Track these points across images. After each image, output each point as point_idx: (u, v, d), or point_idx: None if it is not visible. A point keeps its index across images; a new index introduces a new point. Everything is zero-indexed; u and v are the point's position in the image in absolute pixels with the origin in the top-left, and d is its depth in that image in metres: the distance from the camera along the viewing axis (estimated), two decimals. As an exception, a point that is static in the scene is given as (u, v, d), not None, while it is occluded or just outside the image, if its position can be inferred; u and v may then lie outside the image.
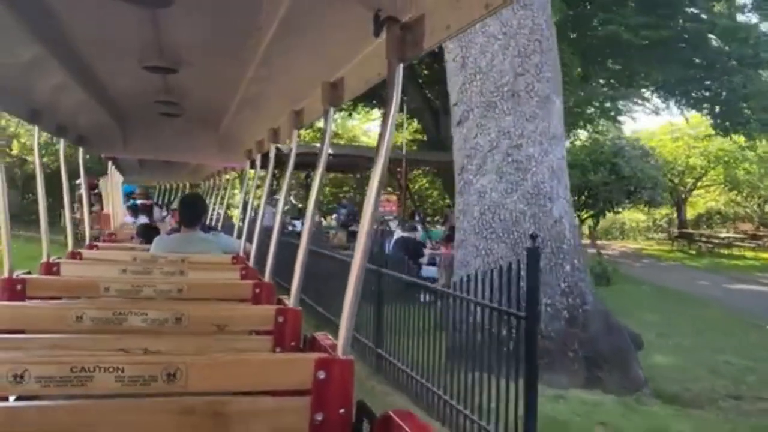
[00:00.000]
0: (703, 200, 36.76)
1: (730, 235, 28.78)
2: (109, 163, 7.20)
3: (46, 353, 2.05)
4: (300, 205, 21.37)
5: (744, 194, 34.27)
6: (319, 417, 1.75)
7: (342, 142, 25.94)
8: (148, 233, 5.85)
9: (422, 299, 6.14)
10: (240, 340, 2.56)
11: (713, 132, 21.76)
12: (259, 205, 4.61)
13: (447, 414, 4.95)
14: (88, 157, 4.86)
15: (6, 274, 2.80)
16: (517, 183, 6.36)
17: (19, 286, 2.80)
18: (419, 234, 12.99)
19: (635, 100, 23.12)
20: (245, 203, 5.46)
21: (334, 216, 22.57)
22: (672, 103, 22.40)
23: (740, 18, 19.23)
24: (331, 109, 2.27)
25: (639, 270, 18.95)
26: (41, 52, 2.24)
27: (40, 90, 2.82)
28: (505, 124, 6.45)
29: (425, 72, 25.92)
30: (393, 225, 18.44)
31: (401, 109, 27.24)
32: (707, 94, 19.27)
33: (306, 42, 2.06)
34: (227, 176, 7.90)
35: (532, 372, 3.98)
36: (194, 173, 9.50)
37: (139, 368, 1.69)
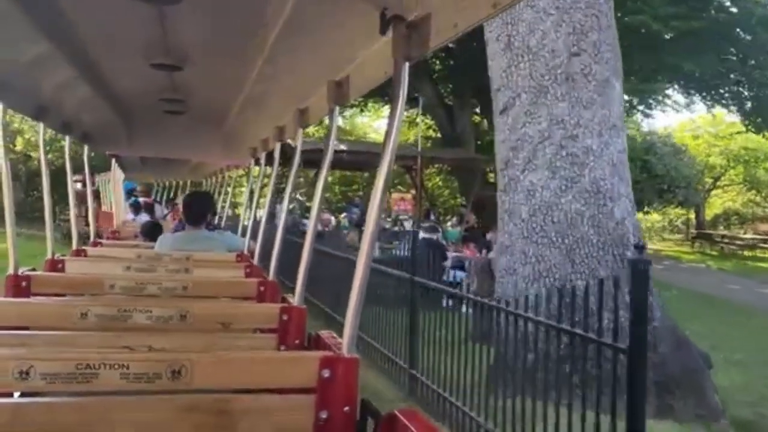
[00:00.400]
0: (720, 200, 35.85)
1: (756, 236, 27.85)
2: (113, 160, 7.11)
3: (52, 350, 2.02)
4: (309, 204, 20.57)
5: (763, 194, 33.35)
6: (323, 415, 1.75)
7: (352, 139, 25.10)
8: (151, 231, 5.76)
9: (445, 304, 5.60)
10: (244, 338, 2.55)
11: (737, 130, 20.86)
12: (263, 204, 4.55)
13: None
14: (93, 155, 4.85)
15: (11, 271, 2.79)
16: (573, 179, 5.53)
17: (24, 283, 2.81)
18: (439, 235, 12.13)
19: (656, 96, 22.27)
20: (250, 201, 5.45)
21: (344, 215, 21.81)
22: (697, 99, 21.52)
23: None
24: (337, 108, 2.24)
25: (662, 273, 18.03)
26: (48, 48, 2.22)
27: (46, 87, 2.80)
28: (558, 112, 5.62)
29: (438, 67, 25.14)
30: (408, 225, 17.73)
31: (416, 106, 26.55)
32: (738, 89, 18.36)
33: (312, 40, 2.06)
34: (230, 174, 7.82)
35: (636, 416, 3.14)
36: (195, 171, 9.43)
37: (144, 365, 1.69)
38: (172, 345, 2.28)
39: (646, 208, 15.26)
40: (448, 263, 10.79)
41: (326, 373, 1.78)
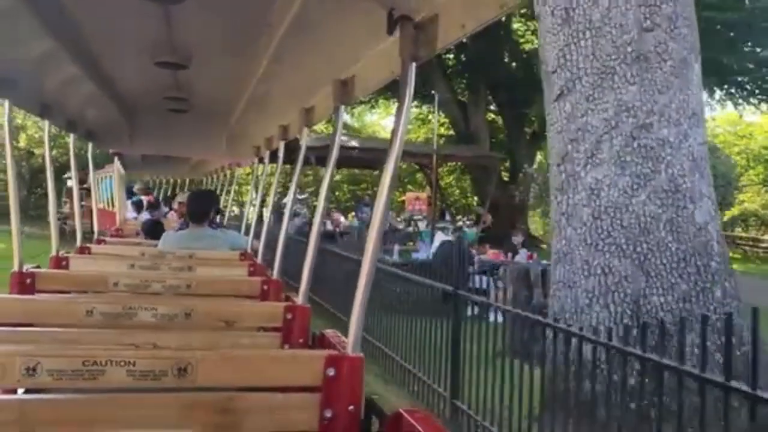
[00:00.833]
0: (738, 201, 34.87)
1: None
2: (115, 158, 7.25)
3: (59, 347, 1.96)
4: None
5: (784, 195, 32.37)
6: (328, 414, 1.75)
7: (362, 137, 24.29)
8: (152, 229, 5.72)
9: (469, 312, 5.15)
10: (248, 336, 2.56)
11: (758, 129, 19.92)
12: (267, 203, 4.66)
13: None
14: (98, 151, 4.94)
15: (16, 268, 2.80)
16: (646, 176, 4.69)
17: (28, 280, 2.81)
18: (456, 236, 11.24)
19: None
20: (254, 200, 5.41)
21: (355, 215, 21.02)
22: (720, 95, 20.62)
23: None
24: (342, 107, 2.23)
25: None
26: (54, 46, 2.23)
27: (52, 85, 2.81)
28: (628, 97, 4.77)
29: (451, 62, 24.32)
30: (422, 225, 16.92)
31: (428, 103, 25.75)
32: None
33: (318, 39, 2.05)
34: (231, 171, 7.79)
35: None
36: (195, 169, 9.46)
37: (151, 363, 1.70)
38: (177, 343, 2.28)
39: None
40: (471, 269, 9.95)
41: (331, 372, 1.78)
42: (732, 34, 15.09)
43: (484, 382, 4.44)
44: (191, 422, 1.67)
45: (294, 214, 15.77)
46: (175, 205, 8.65)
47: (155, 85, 3.08)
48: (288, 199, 3.43)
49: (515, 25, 22.39)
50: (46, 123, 3.32)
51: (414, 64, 1.60)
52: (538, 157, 23.64)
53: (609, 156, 4.77)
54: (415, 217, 16.53)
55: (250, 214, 5.38)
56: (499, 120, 25.50)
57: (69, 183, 9.71)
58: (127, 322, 2.44)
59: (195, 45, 2.36)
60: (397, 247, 10.88)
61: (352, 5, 1.72)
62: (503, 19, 20.74)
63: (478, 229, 18.04)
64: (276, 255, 3.18)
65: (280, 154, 3.52)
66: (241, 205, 16.79)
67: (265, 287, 3.08)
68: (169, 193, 13.24)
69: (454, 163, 22.52)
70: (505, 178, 22.59)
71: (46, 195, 3.51)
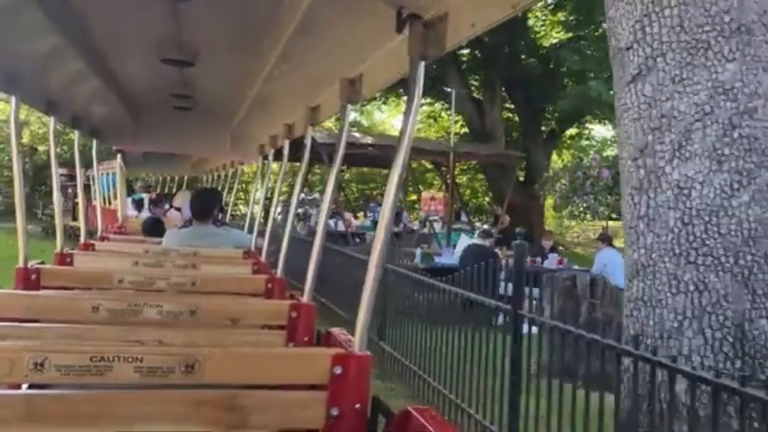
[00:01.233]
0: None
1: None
2: (118, 155, 7.22)
3: (67, 342, 2.02)
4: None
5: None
6: (334, 412, 1.74)
7: (374, 134, 23.46)
8: (153, 228, 5.76)
9: (495, 322, 4.71)
10: (253, 334, 2.55)
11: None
12: (270, 201, 4.94)
13: None
14: (102, 148, 5.02)
15: (21, 264, 2.80)
16: (750, 173, 3.87)
17: (33, 276, 2.81)
18: (491, 240, 10.38)
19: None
20: (264, 198, 5.48)
21: (366, 214, 20.20)
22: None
23: None
24: (349, 106, 2.22)
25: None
26: (60, 43, 2.23)
27: (58, 81, 2.82)
28: (725, 77, 3.94)
29: (467, 58, 23.45)
30: (437, 226, 16.11)
31: (441, 100, 24.92)
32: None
33: (326, 38, 2.03)
34: (233, 170, 7.78)
35: None
36: (196, 166, 9.47)
37: (158, 359, 1.69)
38: (183, 340, 2.26)
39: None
40: (501, 275, 9.11)
41: (338, 370, 1.76)
42: None
43: (546, 412, 3.65)
44: (198, 419, 1.67)
45: (305, 216, 15.26)
46: (176, 203, 8.72)
47: (161, 82, 3.07)
48: (293, 198, 3.33)
49: (530, 21, 21.60)
50: (52, 120, 3.28)
51: (423, 63, 1.59)
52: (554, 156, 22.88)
53: (702, 148, 3.94)
54: (431, 218, 15.69)
55: (254, 212, 5.34)
56: (514, 118, 24.64)
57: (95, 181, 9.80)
58: (132, 318, 2.44)
59: (202, 42, 2.36)
60: (418, 251, 10.05)
61: (360, 4, 1.71)
62: (519, 13, 19.94)
63: (496, 230, 17.24)
64: (284, 254, 3.17)
65: (285, 152, 3.47)
66: (246, 203, 16.07)
67: (270, 285, 3.08)
68: (166, 190, 13.08)
69: (468, 162, 21.65)
70: (521, 178, 21.74)
71: (47, 193, 3.76)
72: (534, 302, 8.65)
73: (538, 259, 10.39)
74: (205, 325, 2.52)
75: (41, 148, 24.48)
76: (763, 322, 3.70)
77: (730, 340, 3.71)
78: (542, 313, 4.82)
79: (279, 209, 13.92)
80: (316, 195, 18.27)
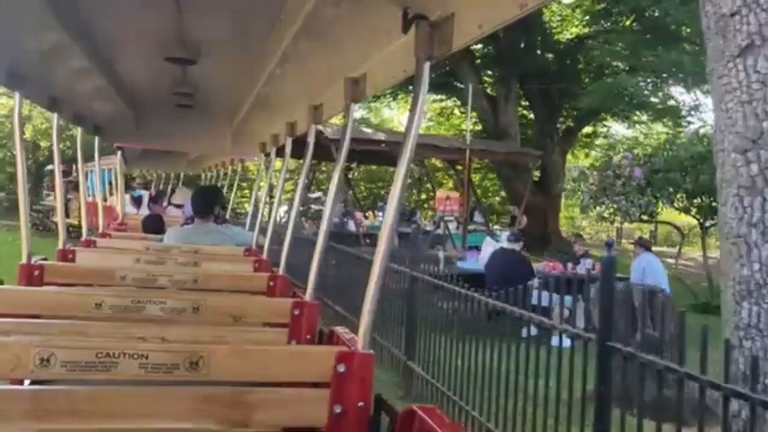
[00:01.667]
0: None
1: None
2: (118, 152, 7.26)
3: (72, 338, 2.02)
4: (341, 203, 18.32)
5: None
6: (337, 409, 1.75)
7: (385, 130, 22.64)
8: (153, 225, 5.83)
9: (526, 333, 4.28)
10: (255, 332, 2.55)
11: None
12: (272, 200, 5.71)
13: None
14: (104, 145, 5.23)
15: (24, 260, 2.81)
16: None
17: (36, 272, 2.82)
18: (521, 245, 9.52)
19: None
20: (267, 196, 6.29)
21: (377, 214, 19.41)
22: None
23: None
24: (353, 105, 2.22)
25: None
26: (64, 40, 2.24)
27: (62, 78, 2.85)
28: None
29: (480, 53, 22.62)
30: (452, 227, 15.32)
31: (452, 97, 24.15)
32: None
33: (330, 37, 2.03)
34: (232, 167, 7.81)
35: None
36: (194, 163, 9.44)
37: (163, 356, 1.70)
38: (186, 337, 2.26)
39: None
40: (534, 282, 8.29)
41: (341, 368, 1.77)
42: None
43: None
44: (202, 416, 1.68)
45: (315, 216, 14.65)
46: (175, 200, 8.54)
47: (164, 79, 3.10)
48: (296, 196, 3.32)
49: (546, 16, 20.80)
50: (55, 116, 3.34)
51: (428, 63, 1.60)
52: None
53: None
54: (446, 218, 14.90)
55: (256, 210, 5.29)
56: (529, 115, 23.84)
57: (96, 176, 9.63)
58: (135, 315, 2.46)
59: (205, 40, 2.39)
60: (441, 255, 9.23)
61: (365, 3, 1.71)
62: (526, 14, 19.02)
63: (511, 230, 16.47)
64: (292, 253, 3.17)
65: (288, 150, 3.47)
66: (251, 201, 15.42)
67: (272, 283, 3.08)
68: (161, 187, 13.06)
69: (480, 160, 20.83)
70: (535, 177, 20.93)
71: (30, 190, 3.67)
72: (568, 313, 7.86)
73: (570, 264, 9.56)
74: (208, 322, 2.52)
75: (44, 144, 24.03)
76: None
77: None
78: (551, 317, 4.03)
79: (285, 208, 13.31)
80: (320, 194, 17.57)
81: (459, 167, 17.05)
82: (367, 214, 19.46)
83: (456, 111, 25.87)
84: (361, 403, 1.75)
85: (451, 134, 24.47)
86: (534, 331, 4.41)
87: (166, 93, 3.38)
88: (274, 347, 2.17)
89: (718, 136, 3.67)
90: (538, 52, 21.54)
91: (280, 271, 3.18)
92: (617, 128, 24.64)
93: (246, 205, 17.11)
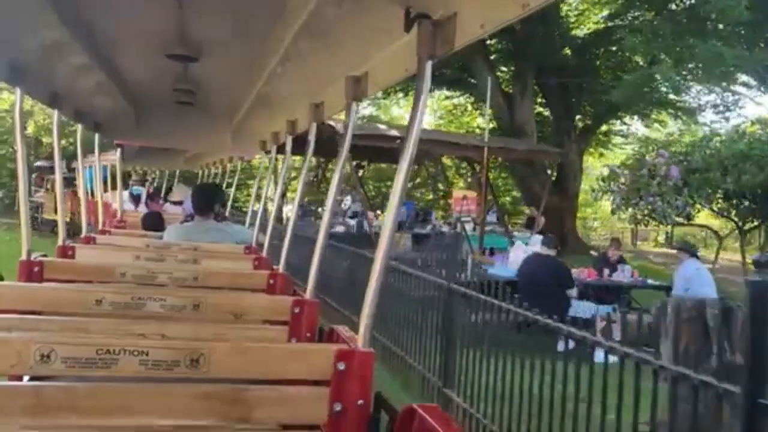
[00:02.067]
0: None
1: None
2: (118, 149, 7.22)
3: (73, 335, 2.04)
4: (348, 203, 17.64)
5: None
6: (337, 407, 1.76)
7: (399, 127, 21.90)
8: (153, 223, 5.80)
9: (562, 347, 3.88)
10: (255, 329, 2.56)
11: None
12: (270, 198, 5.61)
13: None
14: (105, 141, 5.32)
15: (24, 257, 2.82)
16: None
17: (36, 269, 2.84)
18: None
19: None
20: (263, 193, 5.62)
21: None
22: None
23: None
24: (354, 103, 2.24)
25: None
26: (65, 36, 2.26)
27: (63, 74, 2.87)
28: None
29: (495, 47, 21.80)
30: (469, 228, 14.55)
31: (465, 93, 23.43)
32: None
33: (332, 36, 2.04)
34: (231, 164, 7.82)
35: None
36: (190, 160, 9.45)
37: (163, 353, 1.72)
38: (185, 334, 2.29)
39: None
40: (573, 292, 7.53)
41: (341, 366, 1.78)
42: None
43: None
44: (202, 412, 1.68)
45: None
46: (173, 197, 8.47)
47: (164, 77, 3.11)
48: (297, 195, 3.55)
49: (563, 10, 20.02)
50: (56, 113, 3.38)
51: (430, 62, 1.61)
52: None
53: None
54: (463, 219, 14.13)
55: (256, 208, 5.32)
56: (544, 113, 23.05)
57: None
58: (135, 312, 2.45)
59: (206, 38, 2.39)
60: (470, 260, 8.46)
61: (367, 2, 1.71)
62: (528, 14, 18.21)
63: (533, 233, 15.74)
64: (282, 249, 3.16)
65: (288, 148, 3.47)
66: (257, 198, 14.87)
67: (272, 281, 3.08)
68: (155, 183, 12.96)
69: (496, 158, 20.08)
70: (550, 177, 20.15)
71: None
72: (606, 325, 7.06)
73: (606, 271, 8.81)
74: (208, 319, 2.52)
75: (46, 140, 23.79)
76: None
77: None
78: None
79: (291, 207, 12.68)
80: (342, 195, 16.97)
81: (477, 165, 16.30)
82: (377, 214, 18.74)
83: (468, 107, 25.09)
84: (360, 401, 1.76)
85: (462, 132, 23.74)
86: (600, 356, 3.67)
87: (167, 90, 3.37)
88: (274, 345, 2.17)
89: None
90: (557, 46, 20.72)
91: (281, 268, 3.16)
92: (637, 127, 23.82)
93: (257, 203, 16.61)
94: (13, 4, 1.90)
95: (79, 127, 4.19)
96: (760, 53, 12.81)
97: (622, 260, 9.27)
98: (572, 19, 20.96)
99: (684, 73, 12.53)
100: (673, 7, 15.89)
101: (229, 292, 2.99)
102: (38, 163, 19.24)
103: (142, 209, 8.94)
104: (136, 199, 9.98)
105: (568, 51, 20.89)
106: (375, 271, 1.76)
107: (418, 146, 1.70)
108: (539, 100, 22.58)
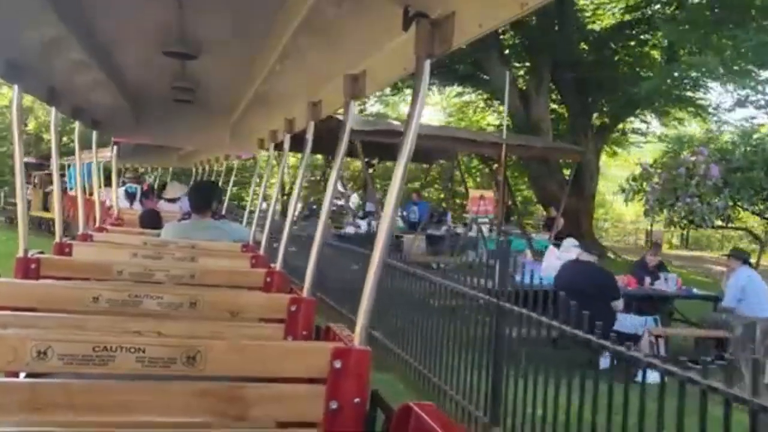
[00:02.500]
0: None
1: None
2: (115, 146, 7.10)
3: (69, 331, 2.05)
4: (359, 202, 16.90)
5: None
6: (333, 405, 1.76)
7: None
8: (151, 221, 5.77)
9: (604, 365, 3.72)
10: (252, 327, 2.58)
11: None
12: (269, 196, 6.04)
13: None
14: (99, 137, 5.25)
15: (21, 254, 2.82)
16: None
17: (33, 266, 2.85)
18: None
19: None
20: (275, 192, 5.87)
21: (402, 213, 17.88)
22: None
23: None
24: (352, 102, 2.24)
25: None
26: (63, 33, 2.26)
27: (60, 72, 2.88)
28: None
29: (511, 42, 21.01)
30: (485, 229, 13.76)
31: (478, 89, 22.62)
32: None
33: (330, 34, 2.04)
34: (226, 162, 7.99)
35: None
36: (184, 158, 9.51)
37: (160, 350, 1.72)
38: (182, 332, 2.30)
39: None
40: (619, 304, 6.69)
41: (338, 364, 1.78)
42: None
43: None
44: (199, 410, 1.69)
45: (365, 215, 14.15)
46: (168, 195, 8.51)
47: (163, 74, 3.13)
48: (294, 193, 3.48)
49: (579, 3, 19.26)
50: (53, 110, 3.37)
51: (428, 61, 1.62)
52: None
53: None
54: (480, 220, 13.36)
55: (253, 206, 5.31)
56: (559, 110, 22.24)
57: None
58: (132, 309, 2.47)
59: (205, 36, 2.41)
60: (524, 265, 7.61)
61: (366, 1, 1.72)
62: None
63: (551, 234, 14.95)
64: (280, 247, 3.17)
65: (286, 146, 3.49)
66: (264, 198, 14.28)
67: (269, 279, 3.08)
68: (152, 181, 12.91)
69: (511, 156, 19.29)
70: (566, 176, 19.36)
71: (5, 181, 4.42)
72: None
73: (648, 279, 7.99)
74: (205, 317, 2.52)
75: (47, 137, 23.70)
76: None
77: None
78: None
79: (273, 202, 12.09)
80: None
81: (491, 163, 15.54)
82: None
83: (480, 104, 24.29)
84: (357, 400, 1.76)
85: (475, 130, 22.95)
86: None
87: (165, 88, 3.39)
88: (270, 343, 2.15)
89: None
90: (573, 40, 19.92)
91: (278, 267, 3.17)
92: (654, 126, 22.99)
93: (255, 201, 15.87)
94: (11, 1, 1.91)
95: (77, 125, 4.23)
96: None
97: (662, 266, 8.46)
98: (588, 13, 20.19)
99: (730, 64, 11.70)
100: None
101: (226, 290, 2.98)
102: (24, 160, 18.64)
103: (137, 207, 8.75)
104: (131, 196, 9.77)
105: (584, 46, 20.10)
106: (372, 268, 1.75)
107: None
108: (554, 96, 21.78)
